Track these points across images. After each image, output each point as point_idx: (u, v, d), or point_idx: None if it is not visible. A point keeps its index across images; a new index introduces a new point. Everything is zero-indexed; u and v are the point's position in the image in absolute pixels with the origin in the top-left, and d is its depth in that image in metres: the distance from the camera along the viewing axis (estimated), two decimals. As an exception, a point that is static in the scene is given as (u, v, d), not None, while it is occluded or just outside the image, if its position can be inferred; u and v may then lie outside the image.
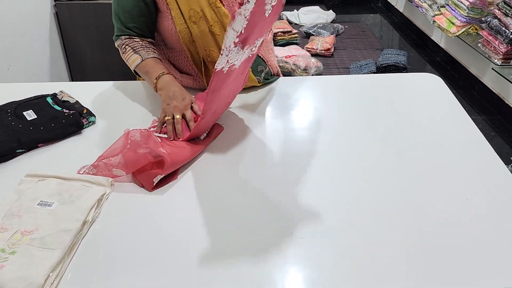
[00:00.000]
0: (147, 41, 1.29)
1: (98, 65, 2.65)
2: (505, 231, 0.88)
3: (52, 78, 2.50)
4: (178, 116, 1.12)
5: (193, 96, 1.21)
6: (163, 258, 0.84)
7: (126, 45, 1.26)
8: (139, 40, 1.27)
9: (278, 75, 1.47)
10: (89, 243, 0.88)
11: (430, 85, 1.44)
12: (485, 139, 1.18)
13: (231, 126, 1.23)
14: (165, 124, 1.13)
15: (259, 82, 1.39)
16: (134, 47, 1.25)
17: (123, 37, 1.28)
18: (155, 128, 1.15)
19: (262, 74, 1.40)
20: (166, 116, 1.13)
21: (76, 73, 2.68)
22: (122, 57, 1.30)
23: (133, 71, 1.30)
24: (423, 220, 0.91)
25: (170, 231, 0.90)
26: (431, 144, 1.15)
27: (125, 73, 2.65)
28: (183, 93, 1.18)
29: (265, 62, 1.40)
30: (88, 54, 2.63)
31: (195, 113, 1.16)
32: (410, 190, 0.99)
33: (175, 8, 1.22)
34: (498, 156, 1.10)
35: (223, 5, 1.24)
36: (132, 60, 1.25)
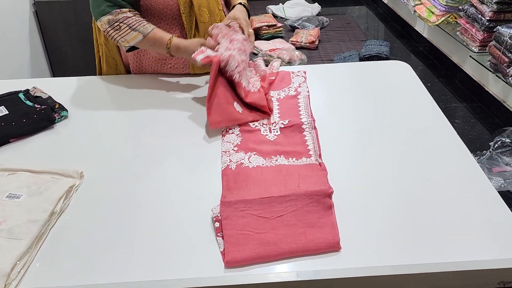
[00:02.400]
0: (138, 14, 1.31)
1: (79, 62, 2.65)
2: (461, 210, 0.91)
3: (33, 75, 2.51)
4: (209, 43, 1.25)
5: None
6: (131, 249, 0.86)
7: (120, 22, 1.26)
8: (132, 15, 1.28)
9: None
10: (57, 233, 0.90)
11: (399, 72, 1.47)
12: (448, 122, 1.20)
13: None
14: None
15: None
16: (130, 24, 1.26)
17: (115, 11, 1.26)
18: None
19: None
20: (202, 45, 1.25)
21: (58, 71, 2.68)
22: (109, 33, 1.29)
23: (126, 47, 1.31)
24: (390, 198, 0.94)
25: (138, 222, 0.92)
26: (398, 127, 1.18)
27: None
28: (193, 42, 1.28)
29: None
30: (69, 52, 2.64)
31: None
32: (375, 171, 1.02)
33: None
34: (459, 138, 1.14)
35: None
36: (130, 38, 1.27)
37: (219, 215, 0.89)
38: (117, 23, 1.26)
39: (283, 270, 0.80)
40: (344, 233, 0.86)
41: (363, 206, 0.93)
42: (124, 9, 1.28)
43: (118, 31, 1.27)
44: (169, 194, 0.99)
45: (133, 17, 1.28)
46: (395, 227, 0.88)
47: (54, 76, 2.71)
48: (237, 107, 1.20)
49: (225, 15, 1.43)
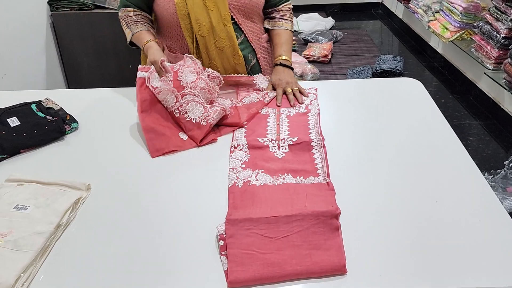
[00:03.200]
0: (141, 14, 1.43)
1: (95, 73, 2.69)
2: (470, 234, 0.89)
3: (49, 86, 2.55)
4: (157, 67, 1.27)
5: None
6: (134, 264, 0.86)
7: (122, 19, 1.43)
8: (132, 15, 1.41)
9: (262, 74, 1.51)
10: (62, 245, 0.91)
11: (411, 89, 1.46)
12: (459, 141, 1.18)
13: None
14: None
15: (246, 70, 1.46)
16: (127, 22, 1.42)
17: (122, 9, 1.43)
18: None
19: (251, 63, 1.47)
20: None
21: (73, 82, 2.72)
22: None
23: (128, 43, 1.46)
24: (398, 220, 0.92)
25: (143, 237, 0.92)
26: (409, 146, 1.16)
27: (121, 81, 2.70)
28: (155, 53, 1.30)
29: (255, 53, 1.47)
30: (84, 63, 2.68)
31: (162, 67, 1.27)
32: (383, 191, 1.01)
33: None
34: (470, 157, 1.12)
35: None
36: (126, 34, 1.43)
37: (224, 233, 0.89)
38: (121, 20, 1.44)
39: (287, 291, 0.79)
40: (350, 255, 0.84)
41: (371, 227, 0.91)
42: (129, 9, 1.42)
43: (122, 27, 1.44)
44: (175, 210, 0.98)
45: (132, 17, 1.41)
46: (402, 250, 0.86)
47: (69, 87, 2.75)
48: (182, 135, 1.22)
49: (241, 29, 1.41)
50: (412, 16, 4.38)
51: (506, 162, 2.39)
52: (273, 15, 1.50)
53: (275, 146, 1.16)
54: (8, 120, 1.22)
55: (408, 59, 4.08)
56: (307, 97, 1.38)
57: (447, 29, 3.15)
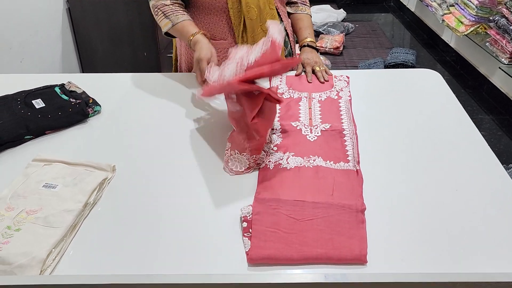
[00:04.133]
0: (178, 3, 1.39)
1: (109, 59, 2.71)
2: (490, 221, 0.90)
3: (64, 71, 2.57)
4: (202, 65, 1.23)
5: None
6: (158, 242, 0.88)
7: (158, 8, 1.38)
8: (169, 3, 1.37)
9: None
10: (90, 223, 0.93)
11: (430, 81, 1.46)
12: (479, 132, 1.19)
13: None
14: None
15: (285, 52, 1.53)
16: (165, 11, 1.37)
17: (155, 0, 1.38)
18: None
19: (288, 47, 1.56)
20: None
21: (87, 67, 2.74)
22: (155, 18, 1.42)
23: (163, 33, 1.42)
24: (419, 207, 0.94)
25: (167, 216, 0.94)
26: (429, 136, 1.17)
27: (135, 68, 2.71)
28: (205, 47, 1.27)
29: (288, 37, 1.54)
30: (99, 49, 2.69)
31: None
32: (405, 179, 1.02)
33: None
34: (489, 148, 1.12)
35: None
36: (163, 24, 1.38)
37: (248, 215, 0.90)
38: (156, 9, 1.38)
39: (309, 272, 0.81)
40: (372, 240, 0.86)
41: (393, 215, 0.93)
42: (167, 1, 1.37)
43: (156, 16, 1.39)
44: (199, 191, 1.00)
45: (170, 6, 1.37)
46: (424, 236, 0.87)
47: (83, 72, 2.77)
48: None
49: (278, 13, 1.47)
50: (425, 9, 4.35)
51: (518, 157, 2.40)
52: (294, 0, 1.58)
53: (307, 130, 1.17)
54: (33, 102, 1.24)
55: (420, 52, 4.07)
56: (330, 75, 1.45)
57: (461, 23, 3.14)
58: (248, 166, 1.05)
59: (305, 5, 1.59)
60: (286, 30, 1.52)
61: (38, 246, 0.84)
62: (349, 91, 1.36)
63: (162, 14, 1.37)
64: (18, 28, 2.17)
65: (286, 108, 1.27)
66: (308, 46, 1.51)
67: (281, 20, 1.49)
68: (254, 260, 0.83)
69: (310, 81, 1.41)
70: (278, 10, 1.47)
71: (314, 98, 1.32)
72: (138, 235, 0.90)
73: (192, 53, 1.45)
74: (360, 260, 0.83)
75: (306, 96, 1.33)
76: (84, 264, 0.84)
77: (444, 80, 1.46)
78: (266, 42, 1.06)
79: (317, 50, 1.53)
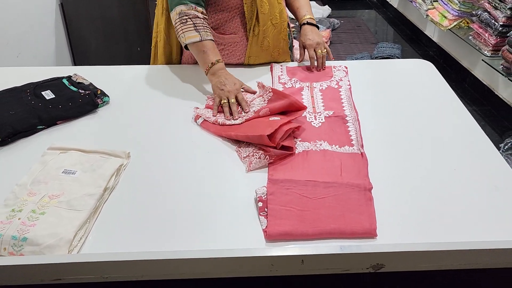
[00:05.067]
0: (207, 18, 1.38)
1: (102, 54, 2.72)
2: (487, 197, 0.98)
3: (58, 65, 2.57)
4: (232, 100, 1.25)
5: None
6: (176, 222, 0.93)
7: (189, 17, 1.32)
8: (202, 17, 1.34)
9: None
10: (110, 207, 0.97)
11: (423, 71, 1.54)
12: (473, 118, 1.27)
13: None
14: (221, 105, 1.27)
15: (289, 48, 1.58)
16: (196, 23, 1.32)
17: (190, 5, 1.33)
18: (211, 105, 1.28)
19: (290, 38, 1.61)
20: (221, 100, 1.26)
21: (80, 63, 2.74)
22: (176, 24, 1.35)
23: (183, 44, 1.35)
24: (421, 186, 1.00)
25: (183, 198, 0.98)
26: (425, 122, 1.24)
27: (128, 62, 2.72)
28: (233, 79, 1.31)
29: (289, 28, 1.58)
30: (92, 44, 2.70)
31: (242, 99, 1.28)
32: (408, 161, 1.09)
33: None
34: (484, 134, 1.20)
35: None
36: (190, 35, 1.32)
37: (262, 195, 0.95)
38: (186, 17, 1.32)
39: (325, 245, 0.86)
40: (380, 216, 0.92)
41: (397, 193, 0.99)
42: (199, 9, 1.34)
43: (183, 25, 1.32)
44: (211, 174, 1.05)
45: (201, 20, 1.34)
46: (426, 211, 0.94)
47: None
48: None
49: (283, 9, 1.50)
50: (408, 5, 4.46)
51: (501, 145, 2.51)
52: None
53: (312, 117, 1.23)
54: (43, 93, 1.26)
55: (403, 47, 4.17)
56: (332, 59, 1.51)
57: (445, 17, 3.24)
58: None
59: None
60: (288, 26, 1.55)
61: (64, 227, 0.87)
62: (348, 80, 1.42)
63: (192, 25, 1.32)
64: (14, 23, 2.17)
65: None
66: (308, 24, 1.52)
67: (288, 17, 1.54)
68: (272, 237, 0.88)
69: (313, 67, 1.46)
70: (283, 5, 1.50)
71: (315, 87, 1.38)
72: (157, 216, 0.94)
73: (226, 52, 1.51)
74: (370, 234, 0.89)
75: (307, 85, 1.38)
76: (106, 244, 0.88)
77: (437, 70, 1.53)
78: (266, 92, 1.22)
79: (317, 27, 1.53)
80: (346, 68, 1.49)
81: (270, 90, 1.24)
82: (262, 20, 1.43)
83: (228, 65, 1.47)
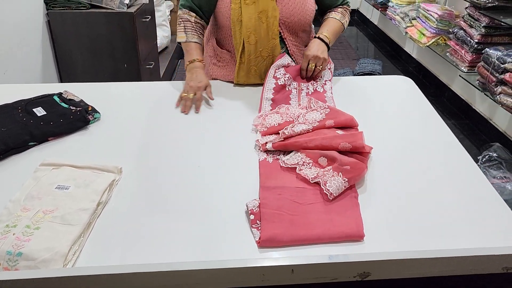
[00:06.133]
0: (200, 23, 1.54)
1: (89, 72, 2.73)
2: (464, 206, 1.03)
3: (44, 82, 2.57)
4: (191, 95, 1.41)
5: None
6: (168, 234, 0.95)
7: (182, 20, 1.53)
8: (193, 21, 1.52)
9: None
10: (103, 221, 0.99)
11: (403, 87, 1.60)
12: (452, 133, 1.33)
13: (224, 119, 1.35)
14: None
15: None
16: (186, 26, 1.52)
17: (185, 10, 1.53)
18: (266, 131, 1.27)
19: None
20: (183, 93, 1.43)
21: (67, 80, 2.75)
22: (177, 25, 1.57)
23: (177, 42, 1.57)
24: (402, 196, 1.05)
25: (175, 211, 1.01)
26: (404, 137, 1.30)
27: (115, 79, 2.75)
28: (202, 78, 1.46)
29: (295, 63, 1.58)
30: (79, 62, 2.71)
31: (208, 97, 1.45)
32: (389, 173, 1.14)
33: None
34: (462, 147, 1.26)
35: (276, 1, 1.44)
36: (180, 36, 1.54)
37: (254, 208, 0.99)
38: (181, 20, 1.53)
39: (315, 255, 0.90)
40: (365, 226, 0.96)
41: (381, 204, 1.03)
42: (192, 14, 1.52)
43: (178, 26, 1.54)
44: (202, 187, 1.08)
45: (192, 23, 1.52)
46: (411, 221, 0.98)
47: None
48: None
49: (285, 43, 1.52)
50: (388, 22, 4.60)
51: (479, 158, 2.59)
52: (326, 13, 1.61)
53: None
54: (34, 110, 1.28)
55: (384, 63, 4.29)
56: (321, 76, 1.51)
57: (423, 34, 3.36)
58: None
59: (334, 12, 1.57)
60: (292, 57, 1.56)
61: (59, 242, 0.89)
62: (331, 82, 1.51)
63: (183, 27, 1.52)
64: (0, 40, 2.17)
65: (278, 100, 1.41)
66: (318, 38, 1.50)
67: (286, 46, 1.53)
68: (264, 242, 0.91)
69: (302, 77, 1.47)
70: (285, 40, 1.51)
71: (302, 89, 1.44)
72: (149, 229, 0.96)
73: (215, 63, 1.62)
74: (358, 236, 0.93)
75: (296, 87, 1.45)
76: (100, 258, 0.89)
77: (417, 86, 1.60)
78: (321, 108, 1.28)
79: (327, 45, 1.50)
80: (332, 64, 1.56)
81: (327, 107, 1.30)
82: (248, 50, 1.47)
83: (222, 80, 1.61)
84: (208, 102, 1.45)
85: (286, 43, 1.53)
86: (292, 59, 1.56)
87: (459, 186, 1.09)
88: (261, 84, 1.52)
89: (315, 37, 1.51)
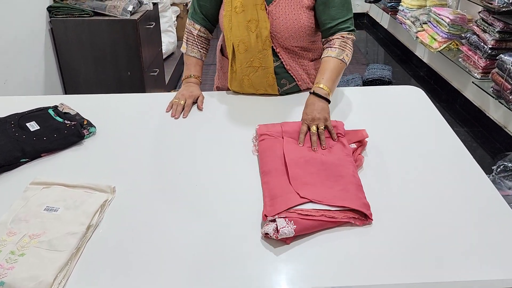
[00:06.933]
0: (203, 37, 1.54)
1: (92, 80, 2.70)
2: (478, 229, 0.95)
3: (47, 92, 2.54)
4: (182, 102, 1.43)
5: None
6: (162, 261, 0.89)
7: (186, 31, 1.55)
8: (195, 34, 1.52)
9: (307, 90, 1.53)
10: (93, 246, 0.93)
11: (413, 97, 1.53)
12: (463, 145, 1.26)
13: (231, 130, 1.30)
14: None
15: (278, 92, 1.51)
16: (188, 38, 1.54)
17: (190, 21, 1.53)
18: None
19: (285, 87, 1.51)
20: (174, 99, 1.45)
21: (70, 88, 2.72)
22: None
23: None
24: (408, 222, 0.98)
25: (169, 235, 0.95)
26: (415, 151, 1.22)
27: (118, 88, 2.71)
28: (193, 89, 1.48)
29: (294, 79, 1.49)
30: (82, 70, 2.68)
31: (198, 106, 1.45)
32: (397, 194, 1.07)
33: None
34: (475, 161, 1.19)
35: (266, 11, 1.38)
36: (182, 46, 1.57)
37: (268, 232, 0.91)
38: (186, 30, 1.55)
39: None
40: (364, 249, 0.89)
41: (385, 225, 0.97)
42: (197, 26, 1.52)
43: (184, 35, 1.57)
44: (199, 208, 1.02)
45: (194, 37, 1.53)
46: (415, 245, 0.91)
47: (66, 93, 2.75)
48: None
49: (278, 56, 1.43)
50: (398, 26, 4.52)
51: (494, 167, 2.50)
52: (325, 45, 1.41)
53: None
54: (27, 124, 1.23)
55: (394, 68, 4.21)
56: (335, 140, 1.20)
57: (435, 39, 3.28)
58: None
59: (331, 48, 1.36)
60: (289, 72, 1.46)
61: (44, 270, 0.83)
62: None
63: (185, 38, 1.55)
64: (1, 48, 2.14)
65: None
66: (314, 93, 1.29)
67: (280, 60, 1.44)
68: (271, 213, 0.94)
69: (300, 144, 1.18)
70: (278, 53, 1.42)
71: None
72: (142, 255, 0.90)
73: (222, 73, 1.61)
74: (366, 208, 0.97)
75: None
76: (90, 286, 0.84)
77: (427, 96, 1.53)
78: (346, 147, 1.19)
79: (326, 99, 1.28)
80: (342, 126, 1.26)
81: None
82: (239, 59, 1.42)
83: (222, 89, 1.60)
84: (213, 115, 1.40)
85: (280, 56, 1.44)
86: (288, 73, 1.47)
87: (471, 205, 1.02)
88: (257, 94, 1.50)
89: (310, 92, 1.31)
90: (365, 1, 4.92)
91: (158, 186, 1.10)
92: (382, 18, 5.28)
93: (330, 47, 1.37)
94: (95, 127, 1.30)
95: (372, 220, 0.96)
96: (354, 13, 1.47)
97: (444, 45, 3.20)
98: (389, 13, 4.41)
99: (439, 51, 3.27)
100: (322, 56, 1.38)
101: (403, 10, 3.91)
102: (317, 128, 1.20)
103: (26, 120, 1.25)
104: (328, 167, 1.09)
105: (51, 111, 1.30)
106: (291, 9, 1.37)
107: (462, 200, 1.04)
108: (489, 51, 2.63)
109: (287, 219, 0.92)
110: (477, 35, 2.74)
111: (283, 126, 1.23)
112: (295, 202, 0.97)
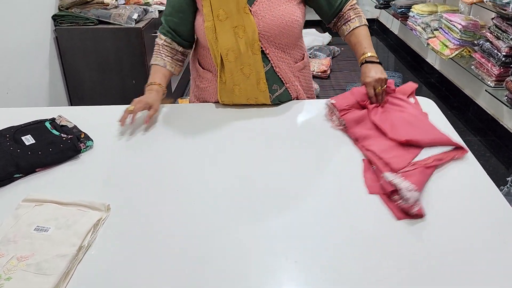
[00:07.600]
0: (169, 46, 1.48)
1: (97, 89, 2.68)
2: (493, 248, 0.89)
3: (51, 102, 2.52)
4: (131, 108, 1.34)
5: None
6: (158, 285, 0.84)
7: (155, 42, 1.52)
8: (160, 43, 1.49)
9: (297, 99, 1.52)
10: (84, 268, 0.89)
11: (424, 109, 1.46)
12: (475, 159, 1.19)
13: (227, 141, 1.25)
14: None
15: (270, 99, 1.45)
16: (154, 49, 1.51)
17: (159, 33, 1.51)
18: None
19: (276, 93, 1.46)
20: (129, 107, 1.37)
21: (75, 97, 2.70)
22: None
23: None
24: (418, 240, 0.92)
25: (166, 257, 0.90)
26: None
27: (123, 97, 2.69)
28: (151, 96, 1.40)
29: (283, 82, 1.46)
30: (87, 78, 2.66)
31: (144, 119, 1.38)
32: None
33: (207, 6, 1.33)
34: (487, 175, 1.12)
35: (251, 13, 1.34)
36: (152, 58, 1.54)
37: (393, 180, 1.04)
38: (156, 42, 1.52)
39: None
40: (362, 276, 0.84)
41: (390, 242, 0.91)
42: (162, 37, 1.49)
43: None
44: (197, 228, 0.97)
45: (158, 46, 1.49)
46: (419, 268, 0.85)
47: (71, 102, 2.73)
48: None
49: (268, 59, 1.40)
50: (408, 32, 4.45)
51: (509, 179, 2.41)
52: (338, 24, 1.49)
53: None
54: (23, 138, 1.20)
55: (405, 75, 4.13)
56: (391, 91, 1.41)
57: (446, 46, 3.20)
58: None
59: (350, 20, 1.46)
60: (278, 75, 1.44)
61: (30, 296, 0.79)
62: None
63: (154, 49, 1.51)
64: (4, 58, 2.13)
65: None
66: (367, 62, 1.39)
67: (270, 63, 1.41)
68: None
69: (373, 103, 1.36)
70: (268, 56, 1.39)
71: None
72: (138, 279, 0.85)
73: (199, 85, 1.55)
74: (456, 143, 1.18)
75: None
76: (79, 314, 0.80)
77: (438, 108, 1.47)
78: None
79: (380, 63, 1.40)
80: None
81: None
82: (228, 68, 1.38)
83: (208, 101, 1.55)
84: (211, 130, 1.35)
85: (270, 58, 1.40)
86: (278, 76, 1.43)
87: (480, 220, 0.95)
88: (247, 105, 1.45)
89: (362, 63, 1.40)
90: (375, 7, 4.86)
91: (155, 205, 1.05)
92: (393, 24, 5.21)
93: (349, 20, 1.46)
94: (92, 140, 1.26)
95: (467, 151, 1.18)
96: (364, 18, 1.51)
97: (456, 52, 3.12)
98: (400, 19, 4.34)
99: (451, 58, 3.19)
100: (349, 30, 1.46)
101: (413, 16, 3.84)
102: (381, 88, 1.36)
103: (21, 133, 1.22)
104: (410, 119, 1.27)
105: (47, 124, 1.27)
106: (274, 5, 1.35)
107: (473, 215, 0.98)
108: (503, 59, 2.55)
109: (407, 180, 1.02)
110: (490, 42, 2.67)
111: (352, 94, 1.37)
112: (410, 157, 1.12)
